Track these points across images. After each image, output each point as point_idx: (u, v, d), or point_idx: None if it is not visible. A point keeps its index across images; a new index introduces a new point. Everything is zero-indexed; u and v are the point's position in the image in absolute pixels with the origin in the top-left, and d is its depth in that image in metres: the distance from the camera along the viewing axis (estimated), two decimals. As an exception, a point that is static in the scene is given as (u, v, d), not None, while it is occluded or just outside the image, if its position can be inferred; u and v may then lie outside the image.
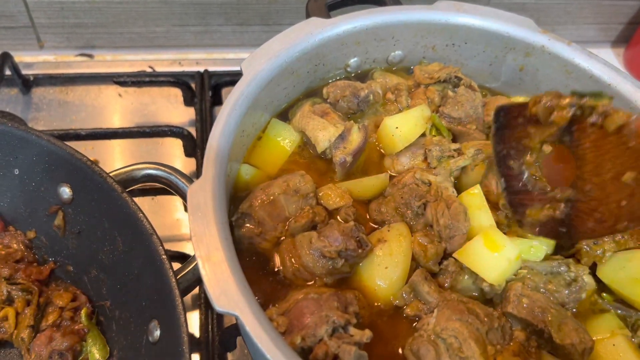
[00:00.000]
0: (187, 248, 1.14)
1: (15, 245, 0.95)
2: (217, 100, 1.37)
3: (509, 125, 0.83)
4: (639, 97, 0.97)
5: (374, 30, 1.04)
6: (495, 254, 0.81)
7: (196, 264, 0.69)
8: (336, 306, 0.75)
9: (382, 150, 1.00)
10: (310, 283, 0.83)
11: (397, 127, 0.96)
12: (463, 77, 1.07)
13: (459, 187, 0.94)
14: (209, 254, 0.69)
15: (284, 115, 1.03)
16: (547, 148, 0.80)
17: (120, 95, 1.39)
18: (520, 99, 1.08)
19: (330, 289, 0.80)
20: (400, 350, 0.79)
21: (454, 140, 1.01)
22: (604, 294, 0.87)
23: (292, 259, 0.82)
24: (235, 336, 1.01)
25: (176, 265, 0.81)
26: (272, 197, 0.86)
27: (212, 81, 1.37)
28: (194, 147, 1.25)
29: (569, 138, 0.78)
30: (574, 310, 0.84)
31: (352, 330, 0.74)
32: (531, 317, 0.78)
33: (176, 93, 1.39)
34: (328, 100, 1.03)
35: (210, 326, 1.01)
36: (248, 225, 0.85)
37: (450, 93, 1.04)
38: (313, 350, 0.72)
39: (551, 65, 1.05)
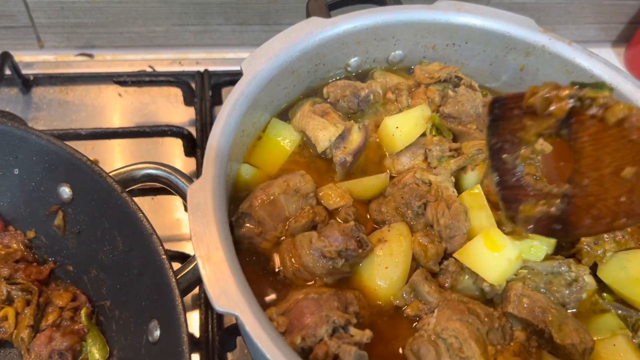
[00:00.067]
0: (187, 248, 1.13)
1: (15, 245, 0.95)
2: (217, 100, 1.36)
3: (504, 117, 0.80)
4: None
5: (374, 30, 1.04)
6: (496, 254, 0.80)
7: (196, 264, 0.69)
8: (336, 306, 0.75)
9: (383, 149, 1.00)
10: (310, 283, 0.82)
11: (397, 127, 0.96)
12: (463, 77, 1.07)
13: (460, 187, 0.94)
14: (209, 254, 0.69)
15: (284, 115, 1.03)
16: (547, 147, 0.78)
17: (120, 95, 1.39)
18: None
19: (330, 289, 0.80)
20: (400, 350, 0.79)
21: (455, 140, 1.01)
22: (605, 294, 0.87)
23: (292, 259, 0.82)
24: (235, 336, 1.01)
25: (176, 265, 0.81)
26: (272, 197, 0.86)
27: (212, 81, 1.37)
28: (194, 146, 1.25)
29: (566, 131, 0.75)
30: (575, 310, 0.84)
31: (352, 330, 0.74)
32: (532, 317, 0.78)
33: (176, 93, 1.39)
34: (328, 100, 1.03)
35: (210, 326, 1.01)
36: (248, 225, 0.85)
37: (450, 93, 1.04)
38: (313, 350, 0.72)
39: (552, 65, 1.05)
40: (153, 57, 1.49)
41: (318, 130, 0.94)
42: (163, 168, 0.91)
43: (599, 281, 0.87)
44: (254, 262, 0.85)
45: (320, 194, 0.89)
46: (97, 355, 0.88)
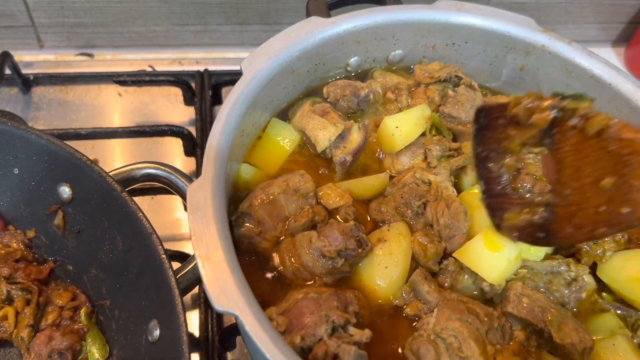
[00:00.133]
0: (187, 247, 1.14)
1: (15, 244, 0.95)
2: (217, 100, 1.36)
3: (490, 127, 0.81)
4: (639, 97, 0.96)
5: (374, 30, 1.04)
6: (496, 254, 0.80)
7: (196, 264, 0.69)
8: (336, 306, 0.75)
9: (381, 150, 1.00)
10: (310, 282, 0.82)
11: (397, 127, 0.96)
12: (463, 77, 1.07)
13: (459, 187, 0.94)
14: (208, 254, 0.69)
15: (284, 115, 1.03)
16: (544, 150, 0.79)
17: (120, 94, 1.39)
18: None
19: (330, 289, 0.80)
20: (400, 350, 0.79)
21: (454, 139, 1.01)
22: (604, 294, 0.87)
23: (292, 259, 0.82)
24: (235, 336, 1.01)
25: (176, 265, 0.81)
26: (271, 197, 0.86)
27: (212, 80, 1.37)
28: (194, 146, 1.25)
29: (549, 141, 0.77)
30: (574, 310, 0.84)
31: (351, 329, 0.74)
32: (531, 316, 0.78)
33: (176, 92, 1.39)
34: (328, 100, 1.03)
35: (210, 326, 1.01)
36: (248, 224, 0.85)
37: (450, 92, 1.04)
38: (313, 349, 0.72)
39: (552, 64, 1.05)
40: (153, 57, 1.49)
41: (318, 130, 0.94)
42: (163, 168, 0.91)
43: (598, 281, 0.87)
44: (253, 262, 0.85)
45: (320, 194, 0.89)
46: (96, 355, 0.88)
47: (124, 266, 0.86)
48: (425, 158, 0.96)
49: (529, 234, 0.80)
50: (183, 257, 1.06)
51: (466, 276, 0.83)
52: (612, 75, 0.99)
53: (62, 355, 0.86)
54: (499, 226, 0.81)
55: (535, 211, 0.78)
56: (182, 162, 1.27)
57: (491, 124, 0.81)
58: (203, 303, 1.02)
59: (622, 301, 0.86)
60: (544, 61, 1.05)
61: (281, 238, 0.86)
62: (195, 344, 0.99)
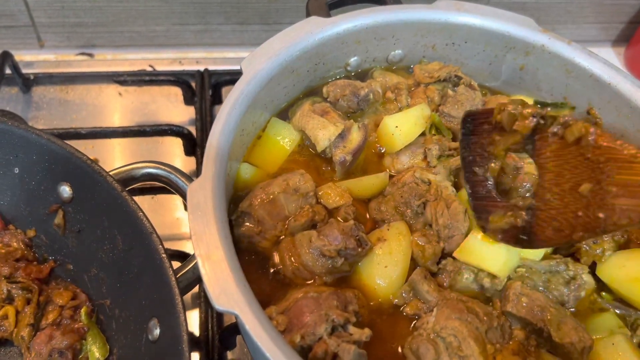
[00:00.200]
0: (187, 247, 1.14)
1: (15, 243, 0.95)
2: (217, 99, 1.37)
3: (476, 132, 0.84)
4: (639, 97, 0.96)
5: (374, 29, 1.04)
6: (494, 245, 0.82)
7: (196, 263, 0.69)
8: (336, 305, 0.75)
9: (381, 149, 1.00)
10: (309, 282, 0.83)
11: (397, 126, 0.96)
12: (463, 76, 1.07)
13: (458, 186, 0.94)
14: (208, 253, 0.69)
15: (284, 114, 1.03)
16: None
17: (120, 94, 1.40)
18: (520, 98, 1.08)
19: (329, 288, 0.80)
20: (399, 349, 0.79)
21: (454, 139, 1.01)
22: (604, 293, 0.87)
23: (292, 258, 0.82)
24: (235, 335, 1.01)
25: (176, 264, 0.81)
26: (271, 196, 0.86)
27: (212, 80, 1.37)
28: (194, 146, 1.25)
29: (531, 146, 0.79)
30: (573, 309, 0.84)
31: (351, 328, 0.74)
32: (530, 316, 0.78)
33: (176, 92, 1.39)
34: (328, 99, 1.03)
35: (210, 325, 1.01)
36: (248, 224, 0.85)
37: (450, 92, 1.04)
38: (312, 348, 0.72)
39: (551, 64, 1.05)
40: (153, 57, 1.49)
41: (318, 130, 0.94)
42: (163, 167, 0.92)
43: (597, 280, 0.87)
44: (253, 261, 0.85)
45: (320, 193, 0.90)
46: (97, 354, 0.88)
47: (124, 265, 0.86)
48: (425, 157, 0.96)
49: (513, 236, 0.82)
50: (183, 257, 1.06)
51: (465, 275, 0.83)
52: (612, 75, 0.99)
53: (62, 355, 0.86)
54: (484, 228, 0.84)
55: (518, 214, 0.81)
56: (182, 162, 1.28)
57: (477, 129, 0.84)
58: (203, 302, 1.03)
59: (622, 300, 0.86)
60: (544, 61, 1.05)
61: (281, 237, 0.86)
62: (195, 343, 0.99)
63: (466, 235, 0.85)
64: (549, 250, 0.87)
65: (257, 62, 0.92)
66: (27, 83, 1.36)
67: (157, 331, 0.79)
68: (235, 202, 0.89)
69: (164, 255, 0.78)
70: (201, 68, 1.41)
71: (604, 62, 1.00)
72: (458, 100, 1.02)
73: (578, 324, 0.78)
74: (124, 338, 0.87)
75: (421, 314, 0.80)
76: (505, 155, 0.82)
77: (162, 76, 1.36)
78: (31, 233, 0.97)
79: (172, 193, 0.95)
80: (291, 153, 0.98)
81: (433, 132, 1.00)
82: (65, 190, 0.92)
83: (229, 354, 1.02)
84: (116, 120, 1.35)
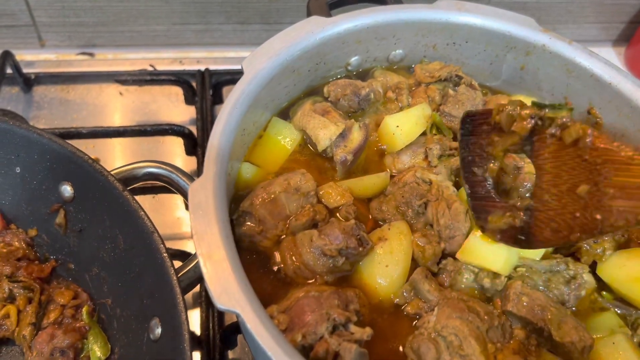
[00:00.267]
0: (188, 246, 1.14)
1: (16, 243, 0.95)
2: (218, 99, 1.37)
3: (475, 132, 0.84)
4: (640, 96, 0.97)
5: (375, 29, 1.04)
6: (495, 244, 0.82)
7: (197, 262, 0.69)
8: (337, 304, 0.75)
9: (383, 148, 1.00)
10: (311, 281, 0.83)
11: (397, 126, 0.96)
12: (464, 76, 1.07)
13: (459, 185, 0.94)
14: (210, 252, 0.69)
15: (285, 114, 1.03)
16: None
17: (121, 93, 1.40)
18: (520, 97, 1.08)
19: (330, 287, 0.80)
20: (400, 348, 0.79)
21: (455, 139, 1.01)
22: (604, 293, 0.87)
23: (293, 257, 0.82)
24: (236, 334, 1.01)
25: (177, 264, 0.81)
26: (272, 196, 0.86)
27: (213, 80, 1.37)
28: (195, 145, 1.25)
29: (529, 147, 0.80)
30: (574, 308, 0.84)
31: (352, 328, 0.74)
32: (531, 315, 0.78)
33: (177, 92, 1.39)
34: (329, 99, 1.03)
35: (211, 324, 1.01)
36: (249, 223, 0.85)
37: (451, 92, 1.04)
38: (314, 347, 0.72)
39: (552, 64, 1.05)
40: (154, 56, 1.49)
41: (319, 129, 0.94)
42: (164, 167, 0.92)
43: (598, 280, 0.87)
44: (254, 261, 0.85)
45: (321, 193, 0.90)
46: (98, 353, 0.88)
47: (126, 265, 0.86)
48: (426, 157, 0.96)
49: (511, 237, 0.82)
50: (184, 256, 1.06)
51: (465, 275, 0.83)
52: (612, 75, 0.99)
53: (64, 354, 0.86)
54: (483, 228, 0.84)
55: (516, 215, 0.81)
56: (183, 161, 1.28)
57: (476, 129, 0.84)
58: (204, 301, 1.03)
59: (622, 300, 0.86)
60: (545, 61, 1.05)
61: (282, 237, 0.86)
62: (196, 342, 0.99)
63: (467, 235, 0.85)
64: (550, 249, 0.87)
65: (258, 61, 0.92)
66: (28, 83, 1.36)
67: (158, 330, 0.79)
68: (236, 201, 0.89)
69: (165, 254, 0.78)
70: (202, 68, 1.42)
71: (604, 62, 1.01)
72: (459, 100, 1.02)
73: (578, 323, 0.78)
74: (125, 337, 0.87)
75: (422, 313, 0.81)
76: (504, 155, 0.82)
77: (162, 76, 1.36)
78: (33, 232, 0.97)
79: (173, 192, 0.95)
80: (292, 152, 0.98)
81: (434, 131, 1.00)
82: (67, 190, 0.92)
83: (230, 353, 1.02)
84: (117, 119, 1.35)
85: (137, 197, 0.84)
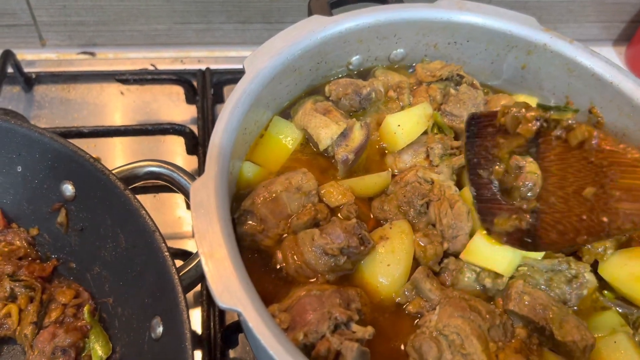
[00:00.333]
0: (189, 245, 1.14)
1: (18, 242, 0.95)
2: (219, 98, 1.37)
3: (480, 134, 0.84)
4: (641, 95, 0.97)
5: (376, 28, 1.04)
6: (499, 246, 0.82)
7: (199, 261, 0.69)
8: (338, 303, 0.75)
9: (384, 147, 1.00)
10: (312, 280, 0.83)
11: (399, 125, 0.96)
12: (465, 75, 1.07)
13: (460, 184, 0.94)
14: (211, 251, 0.69)
15: (286, 113, 1.03)
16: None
17: (122, 93, 1.40)
18: (521, 97, 1.08)
19: (332, 286, 0.80)
20: (402, 347, 0.79)
21: (456, 138, 1.01)
22: (605, 292, 0.87)
23: (295, 256, 0.82)
24: (237, 333, 1.01)
25: (178, 263, 0.81)
26: (274, 195, 0.86)
27: (214, 79, 1.37)
28: (196, 145, 1.25)
29: (535, 149, 0.79)
30: (575, 308, 0.84)
31: (354, 326, 0.74)
32: (533, 314, 0.78)
33: (178, 91, 1.39)
34: (330, 98, 1.03)
35: (212, 323, 1.01)
36: (250, 222, 0.85)
37: (452, 91, 1.04)
38: (315, 346, 0.72)
39: (553, 63, 1.05)
40: (155, 56, 1.49)
41: (320, 128, 0.94)
42: (166, 166, 0.92)
43: (599, 279, 0.87)
44: (256, 259, 0.85)
45: (322, 192, 0.90)
46: (99, 352, 0.88)
47: (127, 264, 0.86)
48: (427, 156, 0.96)
49: (517, 239, 0.82)
50: (185, 255, 1.06)
51: (467, 274, 0.83)
52: (614, 74, 0.99)
53: (65, 352, 0.86)
54: (489, 230, 0.84)
55: (522, 217, 0.81)
56: (184, 161, 1.28)
57: (481, 131, 0.84)
58: (205, 301, 1.03)
59: (624, 299, 0.86)
60: (546, 60, 1.05)
61: (284, 236, 0.86)
62: (197, 341, 0.99)
63: (470, 235, 0.85)
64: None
65: (260, 60, 0.92)
66: (29, 82, 1.36)
67: (159, 329, 0.79)
68: (237, 200, 0.89)
69: (166, 253, 0.78)
70: (203, 67, 1.42)
71: (605, 61, 1.01)
72: (460, 99, 1.02)
73: (580, 322, 0.78)
74: (126, 336, 0.87)
75: (424, 312, 0.81)
76: (510, 158, 0.82)
77: (163, 75, 1.36)
78: (34, 231, 0.97)
79: (174, 192, 0.95)
80: (293, 152, 0.98)
81: (435, 131, 1.00)
82: (68, 189, 0.92)
83: (231, 353, 1.02)
84: (118, 119, 1.35)
85: (138, 196, 0.84)
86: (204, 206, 0.73)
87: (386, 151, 0.99)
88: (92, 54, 1.49)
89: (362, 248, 0.82)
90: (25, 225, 0.98)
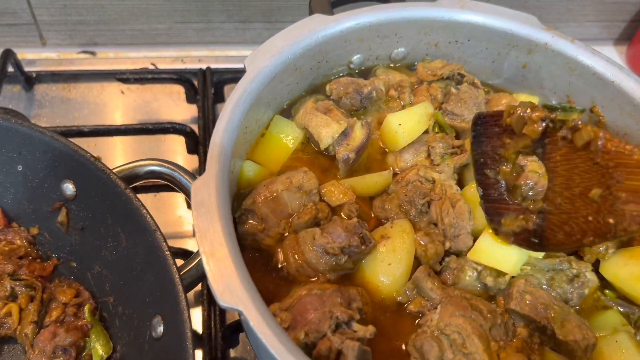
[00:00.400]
0: (190, 245, 1.14)
1: (18, 241, 0.95)
2: (219, 98, 1.37)
3: (486, 134, 0.84)
4: (642, 95, 0.96)
5: (377, 27, 1.04)
6: (506, 245, 0.82)
7: (200, 260, 0.69)
8: (339, 302, 0.75)
9: (385, 147, 1.00)
10: (313, 279, 0.83)
11: (400, 124, 0.96)
12: (466, 74, 1.07)
13: (461, 183, 0.94)
14: (212, 250, 0.69)
15: (287, 112, 1.03)
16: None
17: (122, 92, 1.40)
18: (522, 96, 1.08)
19: (333, 285, 0.80)
20: (403, 346, 0.79)
21: (457, 137, 1.01)
22: (607, 291, 0.87)
23: (296, 255, 0.82)
24: (237, 332, 1.01)
25: (178, 262, 0.81)
26: (275, 194, 0.86)
27: (215, 78, 1.37)
28: (197, 144, 1.25)
29: (541, 150, 0.79)
30: (577, 307, 0.84)
31: (355, 326, 0.74)
32: (534, 313, 0.78)
33: (178, 90, 1.39)
34: (331, 97, 1.03)
35: (213, 322, 1.01)
36: (251, 221, 0.85)
37: (453, 90, 1.04)
38: (317, 345, 0.72)
39: (554, 62, 1.05)
40: (155, 55, 1.49)
41: (321, 127, 0.94)
42: (166, 165, 0.92)
43: (601, 278, 0.87)
44: (257, 259, 0.85)
45: (323, 191, 0.90)
46: (100, 351, 0.88)
47: (128, 263, 0.86)
48: (429, 155, 0.96)
49: (524, 239, 0.82)
50: (186, 254, 1.06)
51: (469, 273, 0.83)
52: (615, 73, 0.99)
53: (66, 352, 0.86)
54: (496, 230, 0.84)
55: (529, 218, 0.80)
56: (185, 160, 1.28)
57: (487, 131, 0.84)
58: (206, 300, 1.03)
59: (625, 298, 0.86)
60: (547, 59, 1.05)
61: (285, 235, 0.86)
62: (198, 340, 0.99)
63: (471, 233, 0.85)
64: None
65: (260, 59, 0.92)
66: (29, 81, 1.36)
67: (160, 328, 0.79)
68: (238, 199, 0.89)
69: (167, 252, 0.78)
70: (203, 66, 1.41)
71: (607, 60, 1.00)
72: (461, 98, 1.02)
73: (582, 321, 0.78)
74: (127, 335, 0.87)
75: (425, 312, 0.81)
76: (517, 157, 0.81)
77: (164, 74, 1.36)
78: (34, 230, 0.97)
79: (175, 191, 0.95)
80: (294, 151, 0.98)
81: (436, 130, 1.00)
82: (69, 188, 0.92)
83: (232, 352, 1.02)
84: (118, 118, 1.35)
85: (139, 196, 0.84)
86: (205, 205, 0.72)
87: (387, 150, 0.99)
88: (92, 53, 1.49)
89: (363, 247, 0.81)
90: (25, 224, 0.98)
